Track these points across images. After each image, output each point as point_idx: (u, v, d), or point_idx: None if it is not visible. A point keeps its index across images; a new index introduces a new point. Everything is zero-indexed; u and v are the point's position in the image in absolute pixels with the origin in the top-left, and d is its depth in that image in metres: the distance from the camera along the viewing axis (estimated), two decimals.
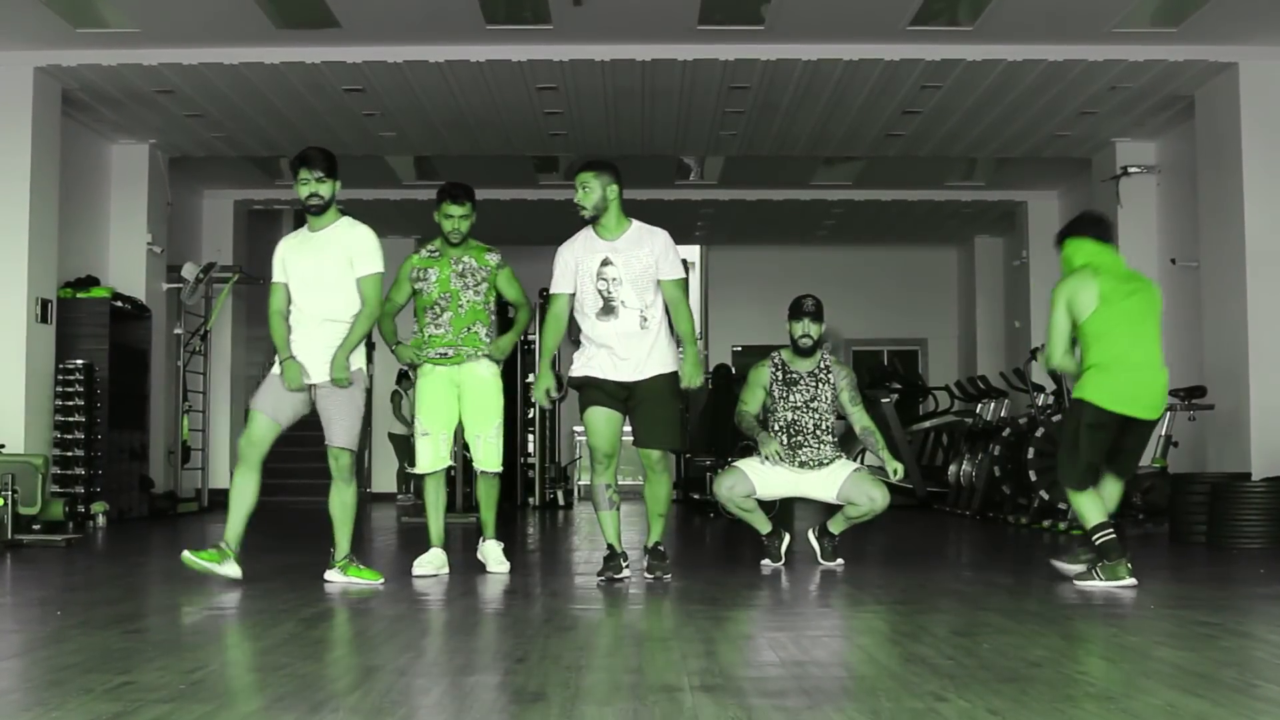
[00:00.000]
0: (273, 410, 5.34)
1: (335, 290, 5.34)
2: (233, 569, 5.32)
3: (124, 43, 8.88)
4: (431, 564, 5.90)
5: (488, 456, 5.96)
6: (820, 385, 6.26)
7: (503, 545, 6.14)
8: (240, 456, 5.39)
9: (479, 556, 6.12)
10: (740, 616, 4.68)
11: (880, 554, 7.45)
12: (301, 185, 5.33)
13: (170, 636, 4.13)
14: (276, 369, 5.39)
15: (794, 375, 6.27)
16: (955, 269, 16.67)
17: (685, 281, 5.62)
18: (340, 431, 5.34)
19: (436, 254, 5.99)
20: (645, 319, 5.42)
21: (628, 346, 5.41)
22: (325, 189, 5.34)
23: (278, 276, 5.43)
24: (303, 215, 5.54)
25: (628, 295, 5.39)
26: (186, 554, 5.24)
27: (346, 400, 5.35)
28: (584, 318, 5.51)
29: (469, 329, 5.89)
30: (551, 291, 5.60)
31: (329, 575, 5.45)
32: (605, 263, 5.42)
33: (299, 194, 5.37)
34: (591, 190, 5.43)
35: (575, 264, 5.48)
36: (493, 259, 5.97)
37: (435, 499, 6.01)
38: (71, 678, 3.21)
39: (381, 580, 5.45)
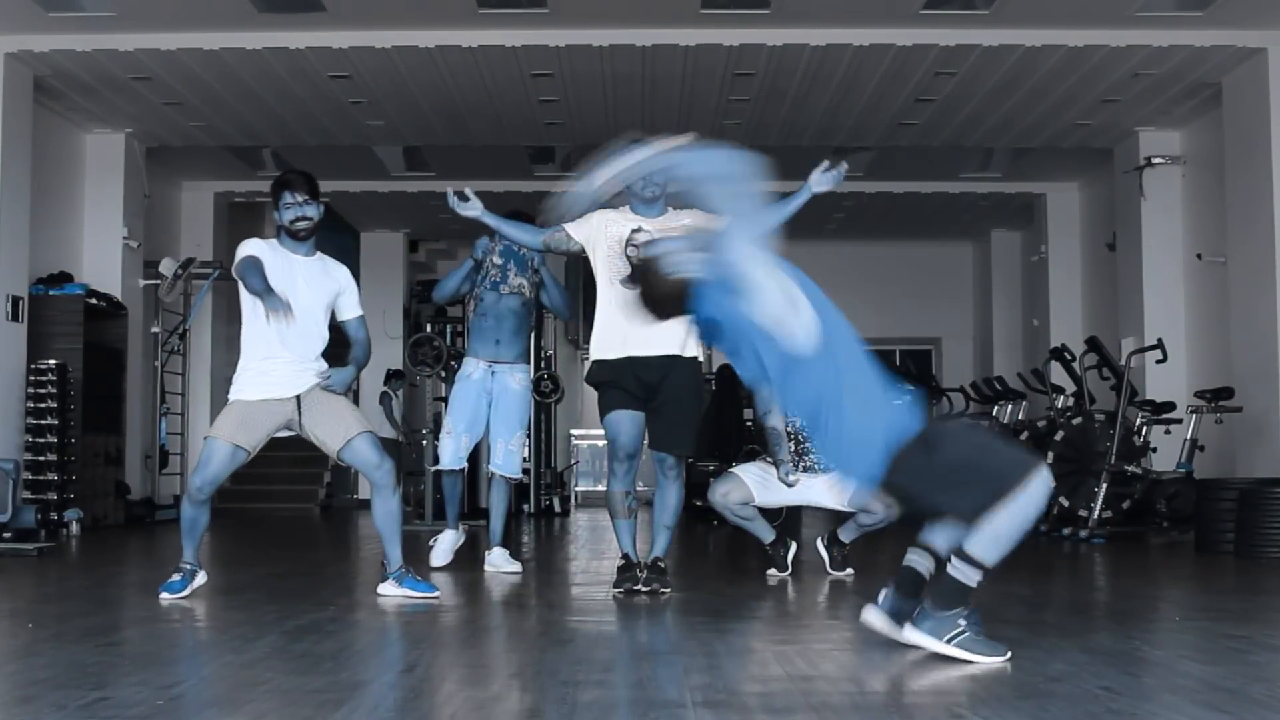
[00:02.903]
0: (243, 437, 5.24)
1: (316, 326, 5.31)
2: (200, 578, 5.43)
3: (99, 27, 8.89)
4: (446, 546, 6.66)
5: (506, 461, 6.60)
6: None
7: (508, 552, 6.62)
8: (192, 494, 5.29)
9: (487, 566, 6.54)
10: (745, 629, 4.68)
11: (892, 563, 7.42)
12: (286, 209, 5.27)
13: (147, 650, 4.13)
14: (240, 396, 5.29)
15: None
16: (971, 264, 16.67)
17: None
18: (354, 420, 5.30)
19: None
20: None
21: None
22: (313, 211, 5.30)
23: (258, 253, 5.24)
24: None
25: None
26: (165, 597, 5.23)
27: (339, 398, 5.35)
28: (605, 288, 5.43)
29: (513, 336, 6.68)
30: (564, 224, 5.54)
31: (383, 589, 5.37)
32: (638, 230, 5.41)
33: (282, 219, 5.29)
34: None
35: (604, 225, 5.45)
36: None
37: (452, 492, 6.76)
38: (43, 693, 3.21)
39: (437, 593, 5.38)
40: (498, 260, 6.74)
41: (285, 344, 5.25)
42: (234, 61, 9.36)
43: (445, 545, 6.72)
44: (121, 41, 9.05)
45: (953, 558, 3.69)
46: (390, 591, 5.33)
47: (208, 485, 5.26)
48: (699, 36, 9.03)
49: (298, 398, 5.28)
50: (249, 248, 5.29)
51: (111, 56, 9.26)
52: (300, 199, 5.27)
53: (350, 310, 5.43)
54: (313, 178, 5.39)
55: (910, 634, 3.73)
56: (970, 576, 3.68)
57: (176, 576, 5.34)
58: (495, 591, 5.87)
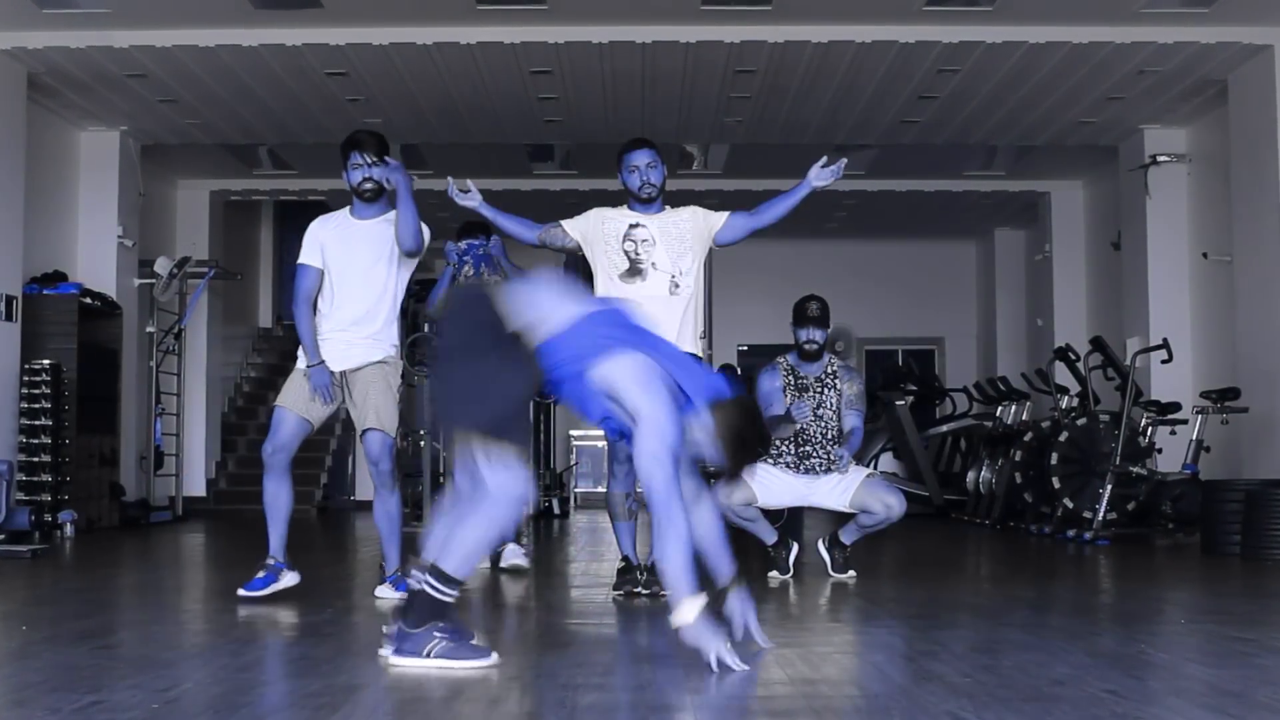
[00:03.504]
0: (305, 408, 5.26)
1: (381, 290, 5.30)
2: (289, 578, 5.27)
3: (93, 23, 8.88)
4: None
5: None
6: (827, 391, 6.27)
7: (523, 550, 6.87)
8: (267, 464, 5.26)
9: (501, 564, 6.77)
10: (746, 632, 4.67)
11: (895, 566, 7.46)
12: (354, 170, 5.28)
13: (142, 653, 4.13)
14: (303, 364, 5.30)
15: (804, 381, 6.29)
16: (974, 263, 16.67)
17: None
18: (372, 412, 5.25)
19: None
20: (677, 285, 5.40)
21: (654, 313, 5.37)
22: (380, 173, 5.28)
23: (310, 259, 5.30)
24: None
25: (659, 258, 5.39)
26: (242, 594, 5.15)
27: (379, 383, 5.29)
28: (603, 286, 5.44)
29: None
30: (561, 223, 5.56)
31: (379, 591, 5.38)
32: (635, 225, 5.43)
33: (350, 180, 5.30)
34: (658, 169, 5.47)
35: (601, 221, 5.48)
36: None
37: None
38: (37, 697, 3.21)
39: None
40: (469, 270, 6.84)
41: (337, 308, 5.25)
42: (230, 58, 9.36)
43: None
44: (116, 38, 9.04)
45: (428, 574, 3.61)
46: (387, 594, 5.33)
47: (279, 451, 5.23)
48: (699, 33, 9.03)
49: (344, 374, 5.29)
50: (306, 250, 5.30)
51: (106, 53, 9.26)
52: (369, 160, 5.27)
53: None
54: (383, 138, 5.38)
55: (394, 660, 3.62)
56: (446, 593, 3.60)
57: (260, 574, 5.23)
58: (493, 594, 5.87)
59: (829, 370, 6.32)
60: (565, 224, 5.57)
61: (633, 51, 9.29)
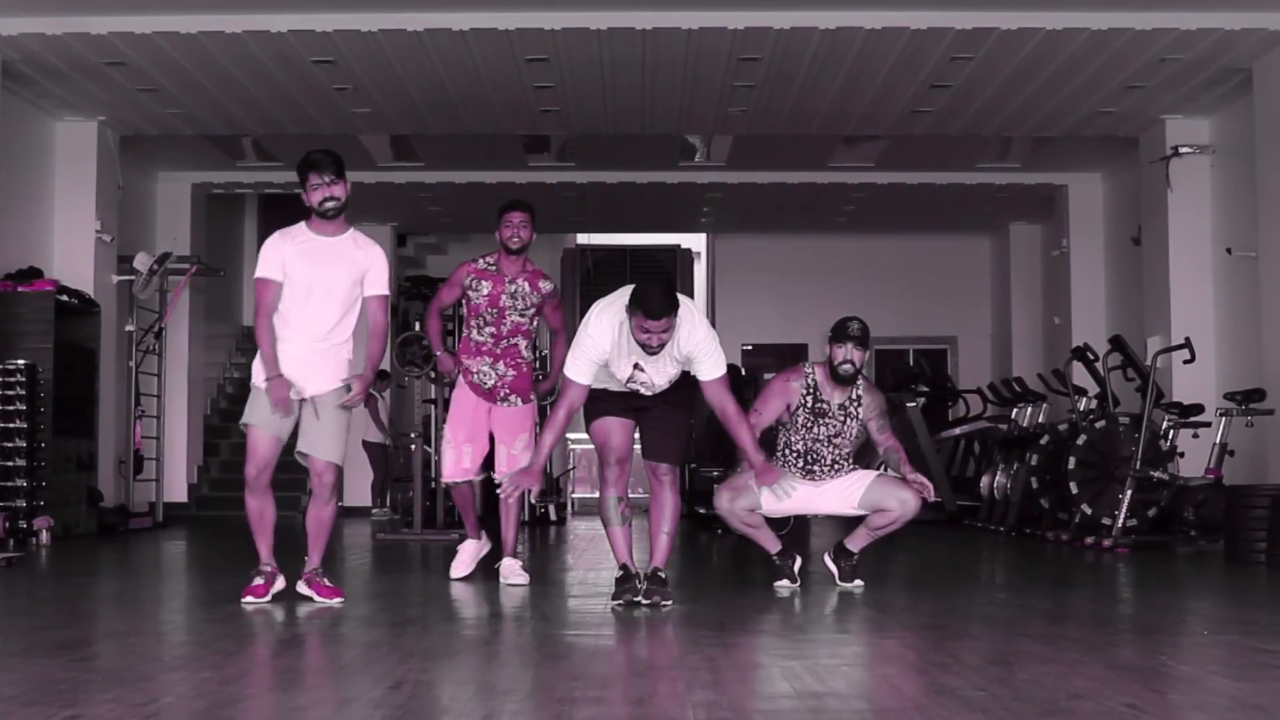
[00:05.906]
0: (277, 425, 5.43)
1: (342, 306, 5.50)
2: (280, 582, 5.59)
3: (70, 9, 8.89)
4: (465, 557, 6.78)
5: (512, 469, 6.61)
6: (848, 420, 6.23)
7: (521, 563, 6.67)
8: (250, 485, 5.48)
9: (501, 576, 6.57)
10: (750, 643, 4.68)
11: (905, 574, 7.46)
12: (313, 190, 5.45)
13: (121, 665, 4.13)
14: (262, 383, 5.42)
15: (823, 405, 6.21)
16: (988, 259, 16.68)
17: (726, 376, 5.43)
18: (330, 445, 5.49)
19: (494, 267, 6.66)
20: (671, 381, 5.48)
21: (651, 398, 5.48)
22: (339, 190, 5.46)
23: (272, 274, 5.45)
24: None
25: (655, 385, 5.43)
26: (248, 601, 5.43)
27: (340, 414, 5.52)
28: (607, 380, 5.43)
29: (510, 341, 6.68)
30: (570, 376, 5.30)
31: (299, 586, 5.64)
32: (638, 367, 5.35)
33: (310, 200, 5.46)
34: (669, 332, 5.21)
35: (605, 359, 5.31)
36: (545, 287, 6.75)
37: (465, 501, 6.86)
38: (11, 710, 3.21)
39: (340, 601, 5.57)
40: (483, 295, 6.95)
41: (293, 325, 5.43)
42: (212, 46, 9.36)
43: (465, 556, 6.86)
44: (94, 25, 9.04)
45: None
46: (302, 589, 5.61)
47: (264, 471, 5.47)
48: (702, 19, 9.03)
49: (313, 399, 5.44)
50: (267, 265, 5.45)
51: (83, 40, 9.26)
52: (327, 179, 5.43)
53: (373, 287, 5.57)
54: (339, 156, 5.56)
55: None
56: None
57: (258, 580, 5.52)
58: (488, 605, 5.88)
59: (853, 397, 6.26)
60: (573, 378, 5.29)
61: (632, 38, 9.29)
